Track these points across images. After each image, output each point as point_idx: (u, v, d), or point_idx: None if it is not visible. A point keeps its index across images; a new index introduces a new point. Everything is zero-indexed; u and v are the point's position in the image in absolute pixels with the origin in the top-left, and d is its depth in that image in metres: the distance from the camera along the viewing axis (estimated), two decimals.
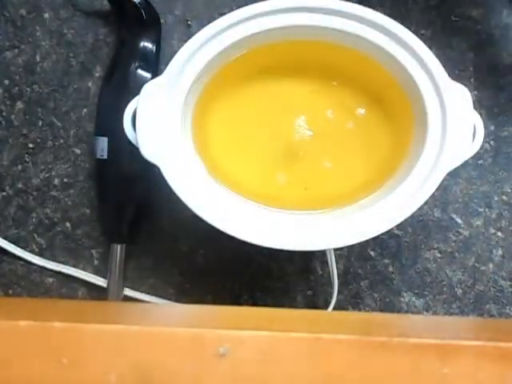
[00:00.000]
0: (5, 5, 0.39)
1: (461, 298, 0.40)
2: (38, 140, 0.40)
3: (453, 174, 0.35)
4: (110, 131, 0.37)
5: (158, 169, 0.32)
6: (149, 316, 0.32)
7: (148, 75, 0.37)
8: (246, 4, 0.32)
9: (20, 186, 0.40)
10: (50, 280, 0.41)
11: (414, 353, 0.24)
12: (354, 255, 0.40)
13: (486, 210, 0.39)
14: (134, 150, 0.33)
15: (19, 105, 0.40)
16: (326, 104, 0.36)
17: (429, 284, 0.40)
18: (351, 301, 0.40)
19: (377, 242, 0.40)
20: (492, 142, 0.39)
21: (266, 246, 0.33)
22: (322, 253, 0.39)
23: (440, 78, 0.32)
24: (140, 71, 0.37)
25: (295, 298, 0.40)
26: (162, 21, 0.39)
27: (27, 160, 0.40)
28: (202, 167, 0.34)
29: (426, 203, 0.33)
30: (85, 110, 0.40)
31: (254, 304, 0.40)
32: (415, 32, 0.32)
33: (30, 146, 0.40)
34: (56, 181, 0.40)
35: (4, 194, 0.40)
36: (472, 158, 0.33)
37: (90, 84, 0.39)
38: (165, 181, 0.32)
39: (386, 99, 0.35)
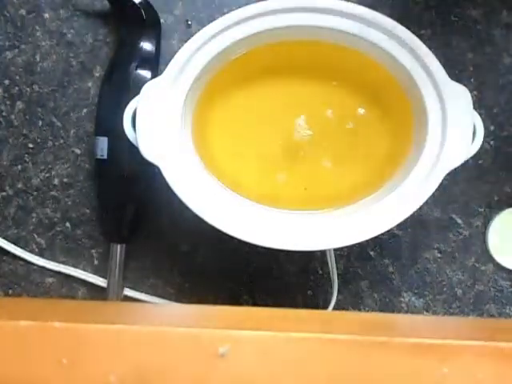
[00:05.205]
0: (5, 5, 0.39)
1: (461, 298, 0.40)
2: (38, 140, 0.40)
3: (453, 174, 0.35)
4: (110, 131, 0.37)
5: (158, 169, 0.32)
6: (149, 316, 0.32)
7: (148, 75, 0.37)
8: (246, 4, 0.32)
9: (20, 186, 0.40)
10: (50, 280, 0.41)
11: (414, 353, 0.24)
12: (353, 255, 0.40)
13: (486, 210, 0.39)
14: (134, 149, 0.33)
15: (19, 105, 0.40)
16: (326, 104, 0.36)
17: (429, 284, 0.40)
18: (351, 301, 0.40)
19: (377, 242, 0.40)
20: (492, 142, 0.39)
21: (266, 246, 0.33)
22: (322, 253, 0.39)
23: (440, 78, 0.32)
24: (140, 71, 0.37)
25: (295, 298, 0.40)
26: (162, 21, 0.39)
27: (27, 160, 0.40)
28: (202, 167, 0.34)
29: (425, 203, 0.33)
30: (85, 110, 0.40)
31: (254, 304, 0.40)
32: (415, 32, 0.32)
33: (30, 145, 0.40)
34: (56, 181, 0.40)
35: (4, 194, 0.40)
36: (472, 157, 0.33)
37: (89, 84, 0.39)
38: (165, 181, 0.32)
39: (385, 99, 0.35)
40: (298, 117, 0.36)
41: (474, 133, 0.32)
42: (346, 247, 0.40)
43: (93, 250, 0.40)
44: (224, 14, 0.32)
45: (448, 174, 0.32)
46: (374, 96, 0.35)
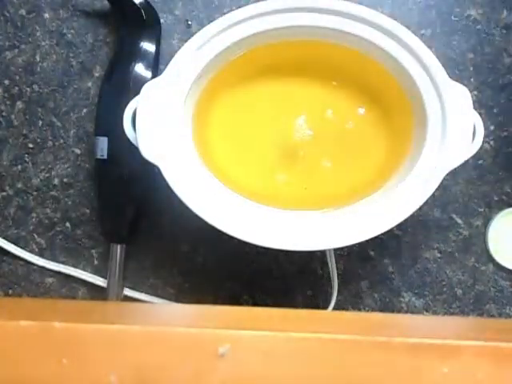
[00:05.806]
0: (5, 5, 0.39)
1: (461, 298, 0.40)
2: (38, 140, 0.40)
3: (453, 174, 0.35)
4: (110, 131, 0.37)
5: (158, 169, 0.32)
6: (149, 316, 0.32)
7: (148, 75, 0.37)
8: (246, 4, 0.32)
9: (20, 186, 0.40)
10: (50, 280, 0.41)
11: (414, 353, 0.24)
12: (353, 255, 0.40)
13: (486, 209, 0.39)
14: (134, 149, 0.33)
15: (19, 105, 0.40)
16: (325, 104, 0.36)
17: (429, 284, 0.40)
18: (351, 301, 0.40)
19: (377, 242, 0.40)
20: (492, 142, 0.39)
21: (266, 246, 0.33)
22: (322, 253, 0.39)
23: (440, 78, 0.32)
24: (140, 71, 0.37)
25: (295, 298, 0.40)
26: (161, 21, 0.39)
27: (27, 160, 0.40)
28: (201, 167, 0.34)
29: (425, 203, 0.33)
30: (85, 110, 0.40)
31: (254, 304, 0.40)
32: (415, 32, 0.32)
33: (30, 145, 0.40)
34: (56, 181, 0.40)
35: (4, 194, 0.40)
36: (472, 157, 0.33)
37: (89, 84, 0.39)
38: (165, 181, 0.32)
39: (385, 99, 0.35)
40: (298, 117, 0.36)
41: (474, 133, 0.32)
42: (346, 247, 0.40)
43: (93, 250, 0.40)
44: (224, 14, 0.32)
45: (448, 174, 0.32)
46: (374, 96, 0.35)
